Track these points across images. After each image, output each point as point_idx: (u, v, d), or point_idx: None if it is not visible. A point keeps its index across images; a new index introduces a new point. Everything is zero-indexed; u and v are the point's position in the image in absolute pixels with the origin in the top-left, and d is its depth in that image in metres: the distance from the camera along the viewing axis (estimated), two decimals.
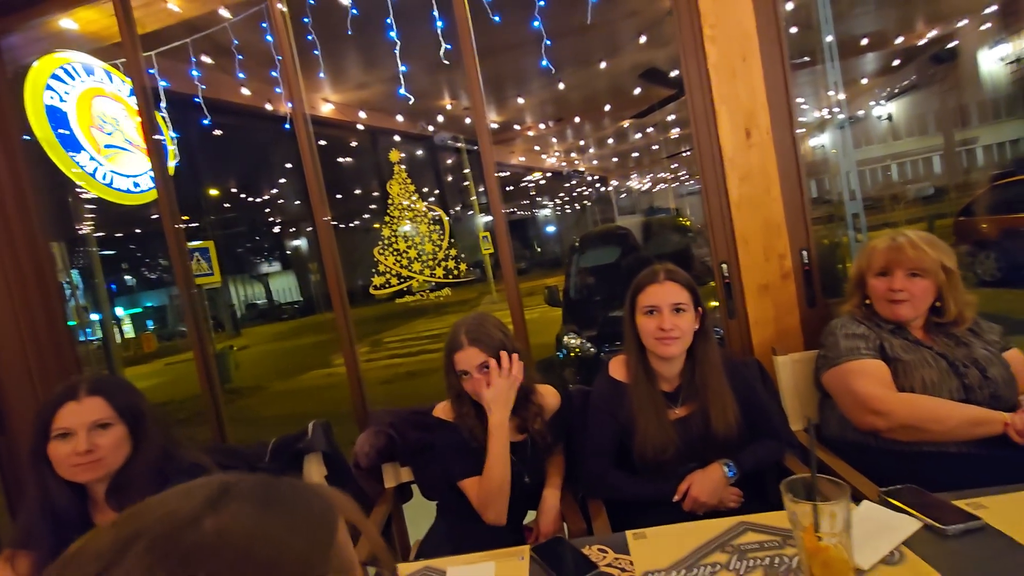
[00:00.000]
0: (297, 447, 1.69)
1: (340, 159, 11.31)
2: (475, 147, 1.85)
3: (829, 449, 1.50)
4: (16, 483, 2.14)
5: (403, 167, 2.25)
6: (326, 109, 7.37)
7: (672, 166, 21.22)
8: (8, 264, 2.15)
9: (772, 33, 1.81)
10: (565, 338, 4.38)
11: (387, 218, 2.22)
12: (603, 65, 7.39)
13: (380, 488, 1.73)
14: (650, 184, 25.82)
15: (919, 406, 1.33)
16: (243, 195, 17.17)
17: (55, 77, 2.42)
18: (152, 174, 2.66)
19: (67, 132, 2.45)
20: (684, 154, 17.78)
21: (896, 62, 9.69)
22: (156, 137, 2.23)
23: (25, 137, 2.27)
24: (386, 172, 2.27)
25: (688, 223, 8.07)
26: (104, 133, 2.61)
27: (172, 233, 2.18)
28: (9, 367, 2.16)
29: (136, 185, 2.74)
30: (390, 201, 2.22)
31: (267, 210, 20.45)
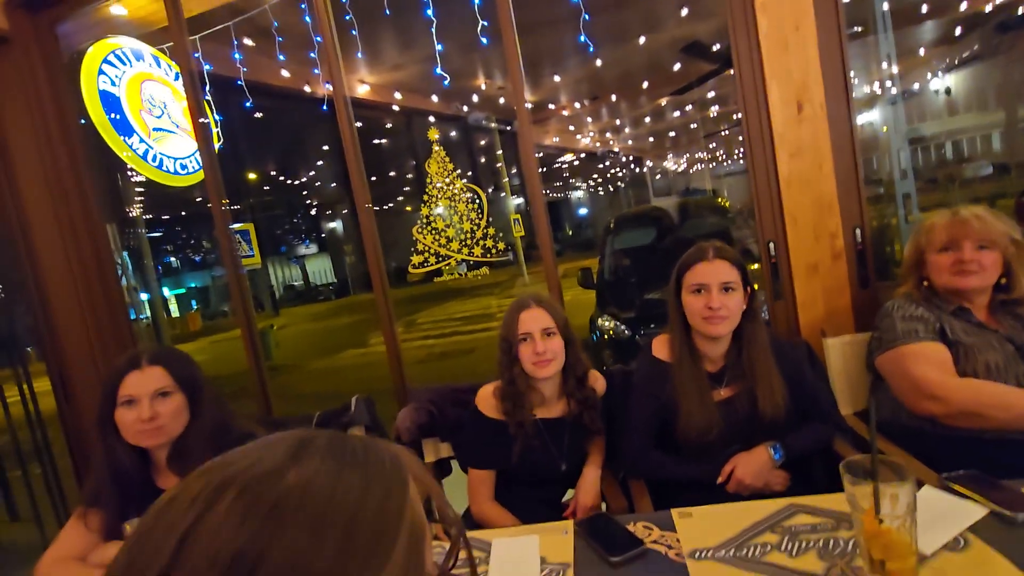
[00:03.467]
0: (341, 420, 1.73)
1: (375, 141, 11.40)
2: (508, 127, 1.82)
3: (882, 434, 1.45)
4: (80, 448, 2.28)
5: (440, 147, 2.25)
6: (362, 90, 7.42)
7: (710, 146, 20.58)
8: (69, 244, 2.25)
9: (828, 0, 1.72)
10: (599, 320, 4.33)
11: (425, 197, 2.22)
12: (642, 40, 7.16)
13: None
14: (686, 165, 25.15)
15: (982, 392, 1.27)
16: (281, 177, 17.53)
17: (107, 62, 2.50)
18: (197, 156, 2.74)
19: (119, 116, 2.53)
20: (723, 133, 17.22)
21: (958, 31, 9.05)
22: (202, 120, 2.28)
23: (81, 121, 2.37)
24: (420, 154, 2.27)
25: (727, 204, 7.83)
26: (153, 116, 2.69)
27: (219, 214, 2.24)
28: (73, 342, 2.28)
29: (183, 167, 2.82)
30: (428, 180, 2.22)
31: (304, 192, 20.84)
